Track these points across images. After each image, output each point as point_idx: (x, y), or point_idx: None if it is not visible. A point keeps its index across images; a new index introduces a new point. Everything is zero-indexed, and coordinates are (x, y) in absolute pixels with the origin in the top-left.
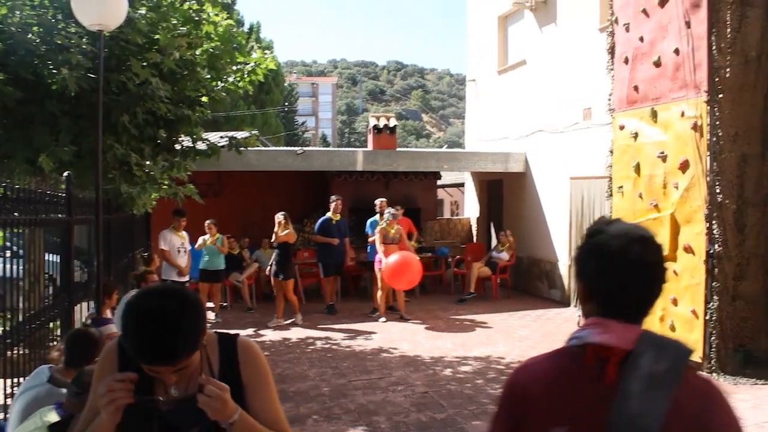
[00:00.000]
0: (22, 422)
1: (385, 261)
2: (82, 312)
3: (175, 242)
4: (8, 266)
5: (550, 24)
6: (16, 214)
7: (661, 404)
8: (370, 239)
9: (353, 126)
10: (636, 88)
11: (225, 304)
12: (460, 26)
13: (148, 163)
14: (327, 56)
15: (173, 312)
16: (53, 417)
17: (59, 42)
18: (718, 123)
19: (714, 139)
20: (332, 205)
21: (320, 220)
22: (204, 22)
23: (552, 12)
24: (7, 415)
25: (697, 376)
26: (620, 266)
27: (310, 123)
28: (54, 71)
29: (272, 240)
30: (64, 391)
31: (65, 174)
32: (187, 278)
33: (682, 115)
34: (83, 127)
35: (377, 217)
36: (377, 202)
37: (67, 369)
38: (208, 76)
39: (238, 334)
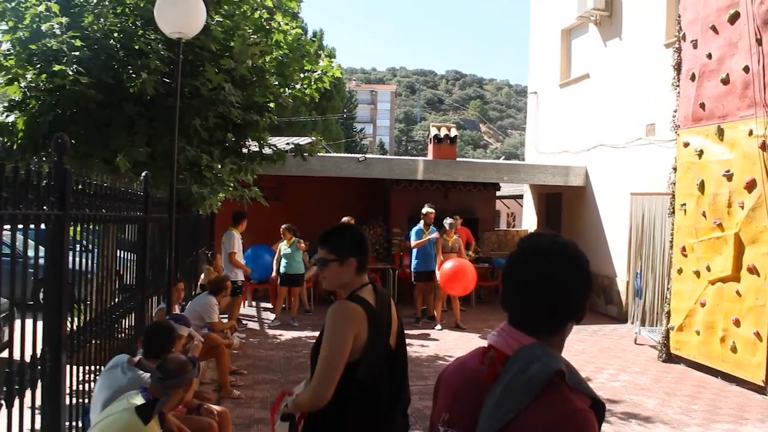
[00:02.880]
0: (106, 405)
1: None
2: (152, 307)
3: (240, 244)
4: (88, 261)
5: (615, 38)
6: (103, 210)
7: (504, 412)
8: (413, 245)
9: (411, 134)
10: (702, 106)
11: (308, 309)
12: (522, 38)
13: (218, 166)
14: (386, 64)
15: None
16: (139, 400)
17: (137, 48)
18: None
19: None
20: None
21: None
22: (274, 30)
23: (617, 26)
24: (85, 401)
25: (561, 401)
26: (508, 275)
27: (368, 130)
28: (133, 75)
29: None
30: (143, 376)
31: (143, 174)
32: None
33: (750, 133)
34: (157, 130)
35: (421, 225)
36: (424, 211)
37: (146, 359)
38: (276, 83)
39: (338, 300)
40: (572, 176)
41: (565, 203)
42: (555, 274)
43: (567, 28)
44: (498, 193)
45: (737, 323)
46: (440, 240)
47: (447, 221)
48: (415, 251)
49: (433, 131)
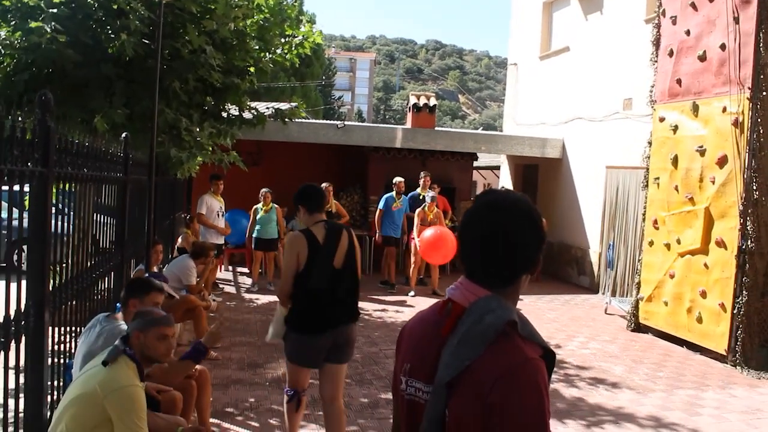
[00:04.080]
0: (85, 359)
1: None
2: (131, 268)
3: (215, 206)
4: (64, 223)
5: (596, 12)
6: (85, 170)
7: (461, 361)
8: (377, 215)
9: (389, 103)
10: (679, 81)
11: (261, 271)
12: (503, 9)
13: (197, 129)
14: (366, 32)
15: None
16: None
17: (116, 7)
18: (759, 120)
19: (754, 136)
20: (421, 181)
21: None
22: None
23: (598, 0)
24: (65, 361)
25: (513, 350)
26: (463, 230)
27: (347, 98)
28: (112, 36)
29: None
30: (119, 325)
31: (123, 135)
32: (222, 240)
33: (724, 110)
34: (135, 91)
35: (393, 193)
36: (396, 181)
37: (125, 309)
38: (257, 47)
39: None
40: (549, 148)
41: (541, 175)
42: (508, 228)
43: (549, 1)
44: (475, 164)
45: (704, 295)
46: (421, 212)
47: (429, 194)
48: (384, 218)
49: (413, 100)
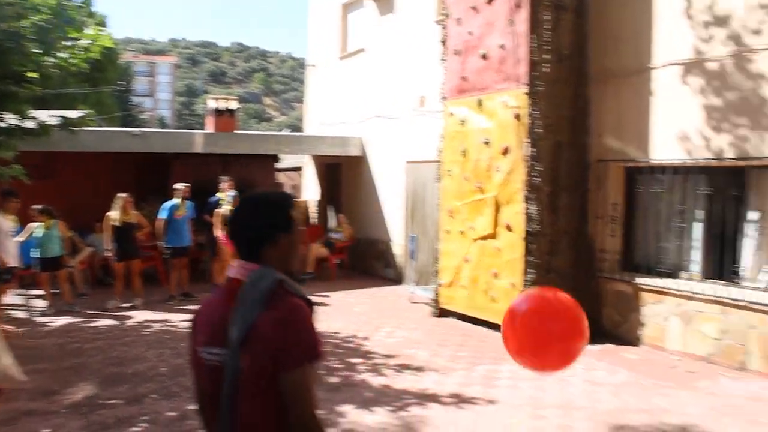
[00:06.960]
0: None
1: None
2: None
3: (4, 227)
4: None
5: (389, 14)
6: None
7: (246, 321)
8: (158, 222)
9: (192, 108)
10: (465, 79)
11: (56, 291)
12: (303, 11)
13: None
14: (167, 35)
15: None
16: None
17: None
18: (536, 113)
19: (533, 127)
20: (222, 186)
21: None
22: None
23: (391, 2)
24: None
25: (285, 301)
26: (230, 222)
27: (147, 104)
28: None
29: (118, 220)
30: None
31: None
32: (15, 264)
33: (506, 105)
34: None
35: (177, 201)
36: (178, 186)
37: None
38: (38, 51)
39: None
40: (350, 146)
41: (344, 173)
42: (255, 215)
43: (345, 2)
44: (281, 166)
45: (496, 276)
46: (219, 213)
47: (231, 193)
48: (168, 228)
49: (212, 104)
